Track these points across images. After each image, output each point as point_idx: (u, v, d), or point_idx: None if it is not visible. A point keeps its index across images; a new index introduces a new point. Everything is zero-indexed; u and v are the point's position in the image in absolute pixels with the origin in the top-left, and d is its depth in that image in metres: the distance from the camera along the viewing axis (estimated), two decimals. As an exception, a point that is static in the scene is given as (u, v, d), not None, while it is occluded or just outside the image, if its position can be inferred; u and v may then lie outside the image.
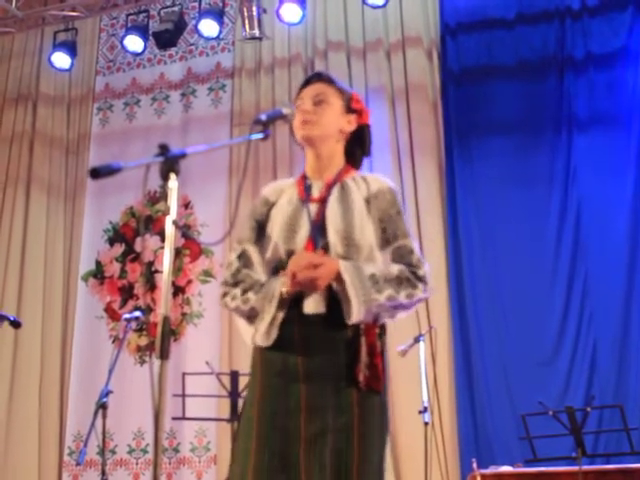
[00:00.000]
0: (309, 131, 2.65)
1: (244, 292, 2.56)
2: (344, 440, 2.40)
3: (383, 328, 2.56)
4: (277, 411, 2.45)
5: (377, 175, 2.72)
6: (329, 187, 2.64)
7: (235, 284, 2.60)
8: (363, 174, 2.71)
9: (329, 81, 2.74)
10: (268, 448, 2.42)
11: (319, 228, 2.55)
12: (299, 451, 2.39)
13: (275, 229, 2.59)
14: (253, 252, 2.63)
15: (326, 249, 2.52)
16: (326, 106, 2.68)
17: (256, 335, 2.51)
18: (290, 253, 2.53)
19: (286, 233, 2.56)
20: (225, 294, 2.61)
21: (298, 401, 2.44)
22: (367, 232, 2.54)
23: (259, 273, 2.60)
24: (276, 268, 2.57)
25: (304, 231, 2.55)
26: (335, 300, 2.47)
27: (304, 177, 2.71)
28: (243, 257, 2.64)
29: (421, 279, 2.54)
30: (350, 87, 2.92)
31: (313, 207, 2.60)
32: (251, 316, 2.55)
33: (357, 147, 2.77)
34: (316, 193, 2.65)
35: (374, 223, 2.57)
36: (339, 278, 2.45)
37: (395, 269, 2.52)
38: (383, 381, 2.47)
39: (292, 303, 2.49)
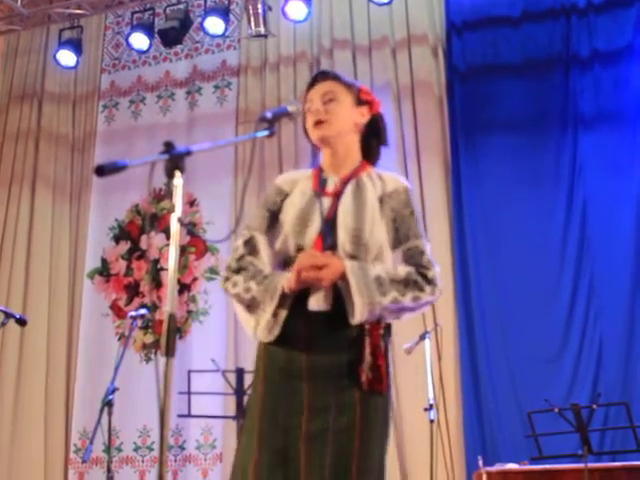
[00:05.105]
0: (324, 131, 2.63)
1: (246, 280, 2.54)
2: (345, 440, 2.39)
3: (388, 328, 2.54)
4: (280, 409, 2.45)
5: (394, 174, 2.70)
6: (344, 183, 2.62)
7: (238, 270, 2.58)
8: (380, 172, 2.69)
9: (335, 78, 2.72)
10: (269, 446, 2.41)
11: (330, 225, 2.53)
12: (299, 448, 2.39)
13: (287, 221, 2.57)
14: (261, 241, 2.60)
15: (334, 247, 2.51)
16: (337, 104, 2.66)
17: (258, 329, 2.50)
18: (299, 248, 2.52)
19: (297, 227, 2.54)
20: (227, 279, 2.60)
21: (301, 400, 2.43)
22: (377, 232, 2.52)
23: (264, 263, 2.58)
24: (285, 262, 2.55)
25: (315, 226, 2.53)
26: (340, 298, 2.46)
27: (320, 170, 2.69)
28: (249, 244, 2.61)
29: (430, 281, 2.52)
30: (355, 83, 2.90)
31: (326, 201, 2.58)
32: (251, 305, 2.53)
33: (373, 138, 2.74)
34: (331, 187, 2.62)
35: (387, 223, 2.55)
36: (344, 278, 2.44)
37: (403, 271, 2.51)
38: (386, 382, 2.45)
39: (297, 299, 2.48)
